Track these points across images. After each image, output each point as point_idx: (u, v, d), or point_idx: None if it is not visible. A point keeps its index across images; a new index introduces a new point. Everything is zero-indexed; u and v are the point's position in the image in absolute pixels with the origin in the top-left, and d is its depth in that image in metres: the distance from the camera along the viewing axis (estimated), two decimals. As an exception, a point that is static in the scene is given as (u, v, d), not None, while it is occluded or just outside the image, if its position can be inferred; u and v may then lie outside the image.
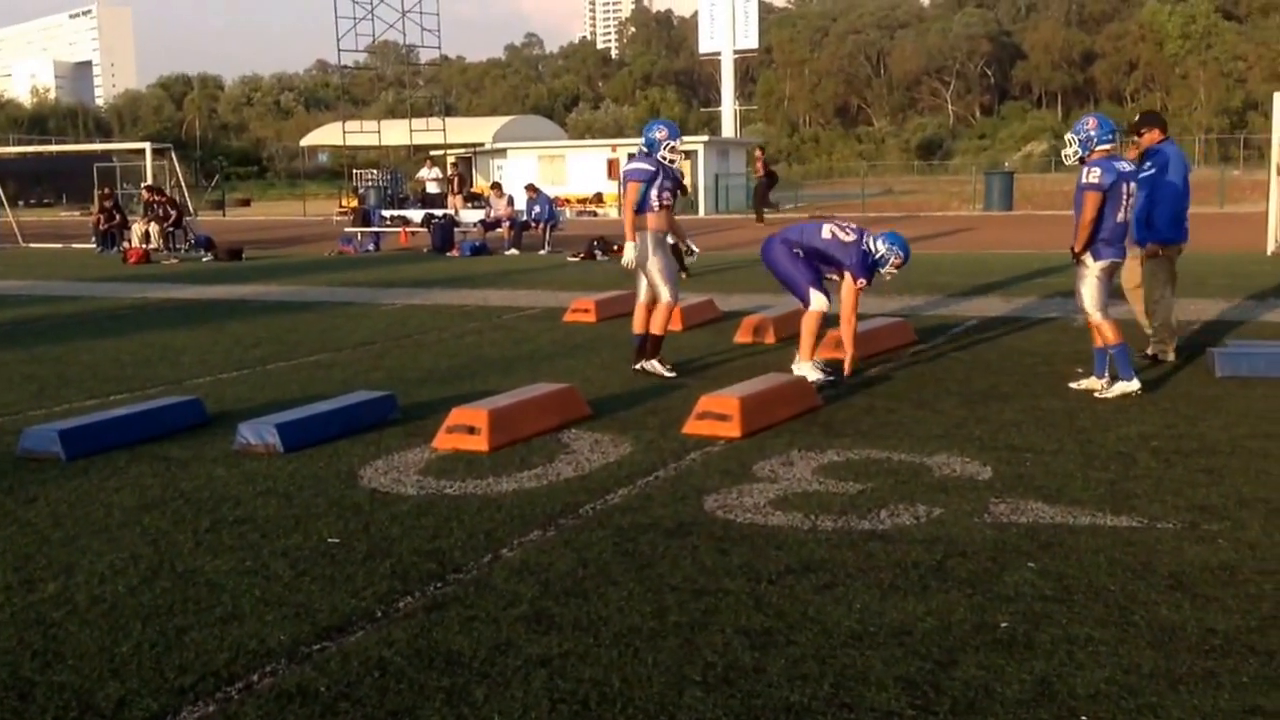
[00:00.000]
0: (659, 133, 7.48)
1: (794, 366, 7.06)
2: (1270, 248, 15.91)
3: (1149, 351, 7.65)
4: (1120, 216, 6.58)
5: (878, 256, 7.19)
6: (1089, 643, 3.22)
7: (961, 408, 6.37)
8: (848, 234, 7.27)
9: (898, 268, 7.24)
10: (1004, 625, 3.36)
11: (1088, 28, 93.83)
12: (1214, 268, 13.75)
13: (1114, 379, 6.59)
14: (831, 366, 7.26)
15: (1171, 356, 7.64)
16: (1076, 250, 6.62)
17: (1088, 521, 4.30)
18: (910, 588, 3.67)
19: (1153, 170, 7.46)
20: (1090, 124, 6.73)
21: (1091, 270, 6.62)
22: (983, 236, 21.98)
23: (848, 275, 7.19)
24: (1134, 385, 6.53)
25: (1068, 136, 6.89)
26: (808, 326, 7.11)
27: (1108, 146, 6.60)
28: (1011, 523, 4.31)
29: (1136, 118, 7.95)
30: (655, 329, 7.49)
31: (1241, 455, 5.20)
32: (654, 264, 7.37)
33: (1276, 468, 4.98)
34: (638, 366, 7.59)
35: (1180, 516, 4.33)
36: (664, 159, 7.40)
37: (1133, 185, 6.66)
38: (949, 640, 3.26)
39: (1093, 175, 6.48)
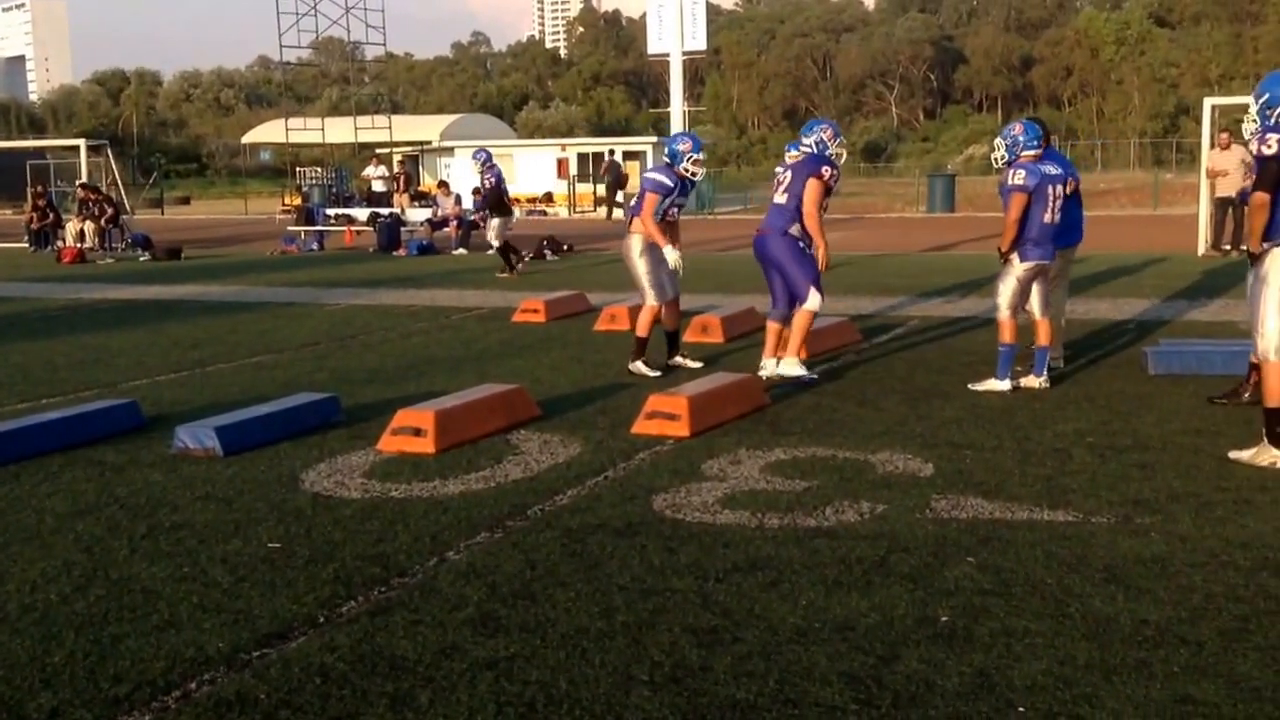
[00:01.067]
0: (683, 144, 7.47)
1: (781, 365, 7.01)
2: (1201, 249, 16.32)
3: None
4: (1047, 218, 6.75)
5: (815, 150, 7.11)
6: (1026, 635, 3.29)
7: (904, 406, 6.46)
8: (784, 175, 7.21)
9: (834, 139, 7.15)
10: (944, 619, 3.41)
11: (1026, 33, 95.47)
12: (1147, 268, 14.07)
13: (1032, 377, 6.91)
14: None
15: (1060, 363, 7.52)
16: (1004, 250, 6.81)
17: (1025, 516, 4.38)
18: (854, 583, 3.71)
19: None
20: (1017, 129, 6.94)
21: (1014, 270, 6.83)
22: (926, 238, 22.28)
23: (809, 179, 7.01)
24: (1004, 385, 6.81)
25: (995, 141, 7.05)
26: (800, 324, 7.01)
27: (1034, 151, 6.79)
28: (952, 518, 4.38)
29: None
30: (639, 330, 7.53)
31: (1173, 451, 5.33)
32: (640, 266, 7.40)
33: (1207, 462, 5.11)
34: (672, 362, 7.70)
35: (1114, 511, 4.43)
36: (686, 171, 7.41)
37: (1059, 188, 6.80)
38: (891, 635, 3.30)
39: (1017, 177, 6.69)
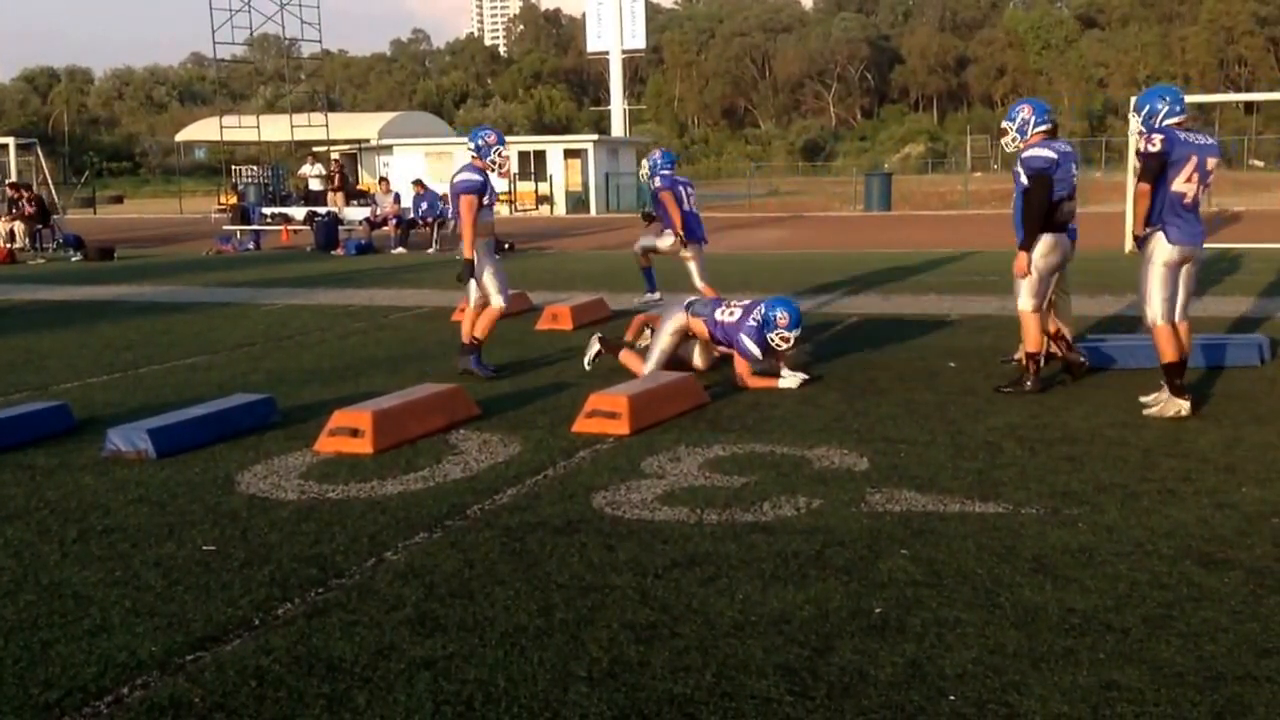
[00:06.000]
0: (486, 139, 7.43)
1: None
2: (1128, 246, 16.73)
3: (1015, 356, 7.58)
4: (687, 206, 9.63)
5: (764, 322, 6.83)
6: (957, 625, 3.36)
7: (841, 402, 6.54)
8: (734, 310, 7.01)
9: (785, 340, 6.88)
10: (878, 611, 3.47)
11: (960, 33, 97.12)
12: (1076, 265, 14.36)
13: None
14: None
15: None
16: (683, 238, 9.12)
17: (957, 509, 4.47)
18: (790, 577, 3.76)
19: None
20: (656, 154, 9.88)
21: (691, 252, 9.55)
22: (863, 236, 22.56)
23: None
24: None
25: (644, 171, 9.82)
26: None
27: (670, 170, 9.76)
28: (886, 511, 4.45)
29: None
30: (479, 332, 7.43)
31: (1100, 443, 5.47)
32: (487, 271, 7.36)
33: (1132, 454, 5.26)
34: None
35: (1043, 502, 4.54)
36: (491, 165, 7.38)
37: (690, 189, 9.48)
38: (826, 627, 3.36)
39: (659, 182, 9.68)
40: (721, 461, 5.25)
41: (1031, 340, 6.62)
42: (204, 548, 4.16)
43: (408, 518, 4.48)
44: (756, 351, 6.92)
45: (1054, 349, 7.49)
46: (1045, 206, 6.43)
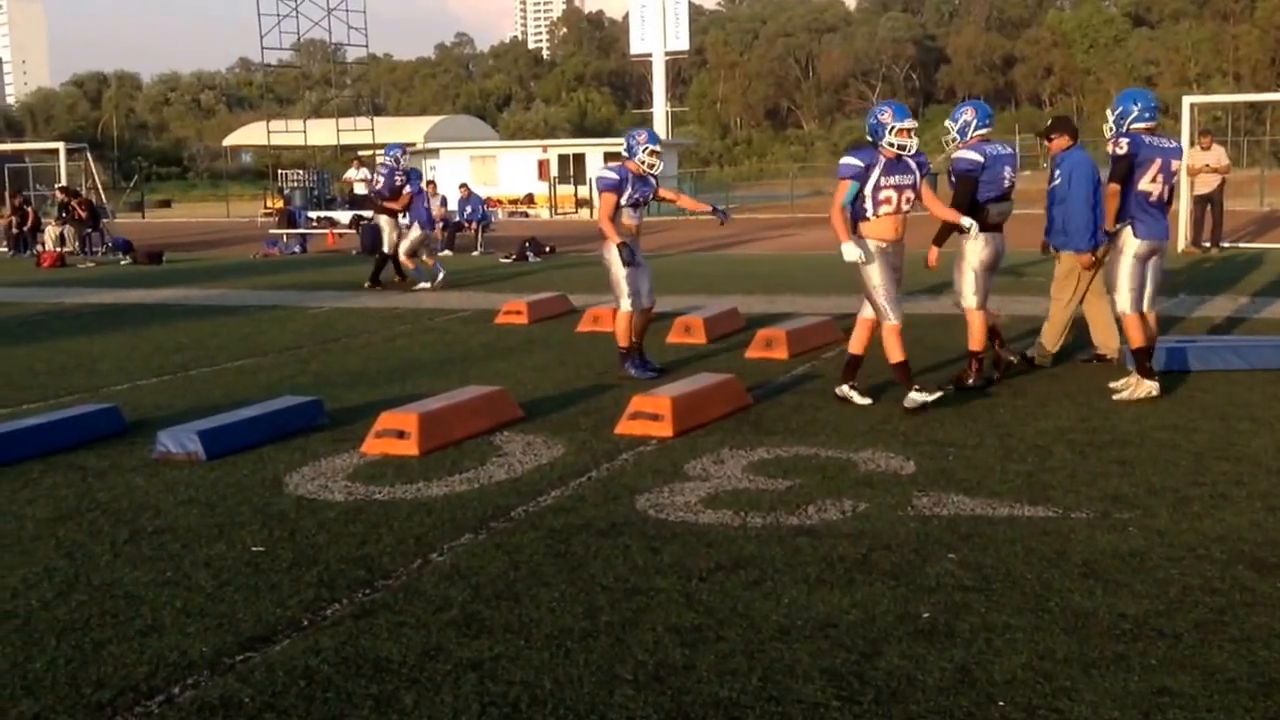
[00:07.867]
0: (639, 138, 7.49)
1: None
2: (1180, 245, 16.44)
3: (1028, 354, 7.56)
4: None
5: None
6: (1006, 630, 3.32)
7: (886, 404, 6.49)
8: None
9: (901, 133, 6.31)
10: (926, 615, 3.44)
11: (1007, 32, 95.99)
12: (1128, 265, 14.14)
13: None
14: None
15: (1046, 360, 7.48)
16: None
17: (1006, 513, 4.42)
18: (836, 581, 3.74)
19: (1058, 179, 7.39)
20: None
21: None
22: (909, 236, 22.34)
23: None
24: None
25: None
26: None
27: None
28: (934, 515, 4.41)
29: (1048, 123, 8.08)
30: (619, 340, 7.46)
31: (1150, 446, 5.38)
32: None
33: (1183, 458, 5.16)
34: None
35: (1093, 506, 4.47)
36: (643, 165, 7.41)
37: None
38: (873, 631, 3.33)
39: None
40: (766, 464, 5.23)
41: (976, 340, 6.89)
42: (253, 548, 4.21)
43: (453, 519, 4.51)
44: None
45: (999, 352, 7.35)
46: (966, 206, 6.74)
